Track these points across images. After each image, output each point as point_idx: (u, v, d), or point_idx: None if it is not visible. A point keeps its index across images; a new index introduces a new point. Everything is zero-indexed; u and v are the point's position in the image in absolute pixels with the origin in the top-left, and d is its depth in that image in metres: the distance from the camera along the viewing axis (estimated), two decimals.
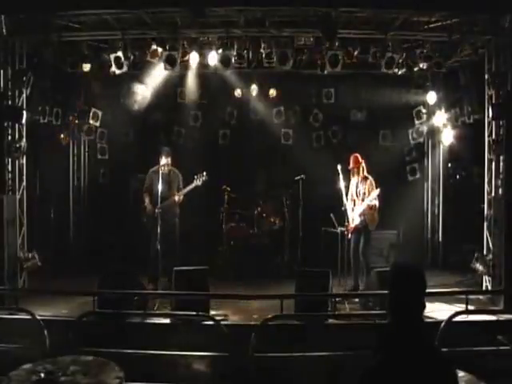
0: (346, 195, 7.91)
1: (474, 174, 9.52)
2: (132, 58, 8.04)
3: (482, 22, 7.27)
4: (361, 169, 7.82)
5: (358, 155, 7.88)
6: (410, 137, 10.23)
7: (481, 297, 7.45)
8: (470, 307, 6.27)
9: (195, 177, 7.90)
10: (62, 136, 10.11)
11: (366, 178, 7.83)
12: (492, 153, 7.59)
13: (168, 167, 7.88)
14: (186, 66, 8.51)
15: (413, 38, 7.89)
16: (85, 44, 8.09)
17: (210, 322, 5.86)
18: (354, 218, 7.79)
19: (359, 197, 7.81)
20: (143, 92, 9.42)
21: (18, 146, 7.51)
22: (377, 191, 7.65)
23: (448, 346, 4.50)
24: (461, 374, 3.73)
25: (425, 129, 10.15)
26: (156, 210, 7.64)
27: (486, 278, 7.61)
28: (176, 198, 7.88)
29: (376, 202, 7.64)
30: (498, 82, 7.37)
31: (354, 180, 7.90)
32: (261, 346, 5.24)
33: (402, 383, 2.32)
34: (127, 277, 6.88)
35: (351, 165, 7.85)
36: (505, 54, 7.29)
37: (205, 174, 7.90)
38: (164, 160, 7.86)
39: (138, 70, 8.97)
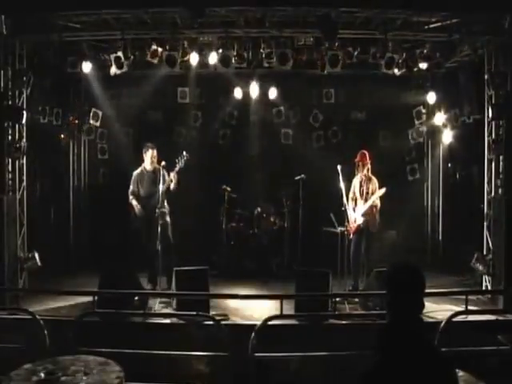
0: (347, 195, 7.90)
1: (473, 173, 9.51)
2: (132, 57, 8.04)
3: (482, 21, 7.27)
4: (366, 166, 7.82)
5: (366, 153, 7.88)
6: (410, 137, 10.24)
7: (481, 297, 7.46)
8: (470, 307, 6.28)
9: (176, 160, 7.64)
10: (62, 136, 10.11)
11: (370, 179, 7.86)
12: (492, 153, 7.59)
13: (153, 164, 7.83)
14: (186, 65, 8.50)
15: (413, 38, 7.89)
16: (85, 44, 8.10)
17: (210, 322, 5.86)
18: (357, 218, 7.79)
19: (362, 196, 7.81)
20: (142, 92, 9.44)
21: (18, 146, 7.49)
22: (382, 190, 7.66)
23: (448, 346, 4.50)
24: (461, 373, 3.73)
25: (425, 129, 10.17)
26: (157, 210, 7.59)
27: (485, 278, 7.61)
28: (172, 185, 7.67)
29: (378, 202, 7.66)
30: (498, 82, 7.38)
31: (357, 178, 7.91)
32: (261, 346, 5.24)
33: (401, 383, 2.33)
34: (127, 276, 6.88)
35: (358, 158, 7.84)
36: (505, 54, 7.29)
37: (185, 153, 7.66)
38: (149, 157, 7.82)
39: (137, 70, 8.97)
